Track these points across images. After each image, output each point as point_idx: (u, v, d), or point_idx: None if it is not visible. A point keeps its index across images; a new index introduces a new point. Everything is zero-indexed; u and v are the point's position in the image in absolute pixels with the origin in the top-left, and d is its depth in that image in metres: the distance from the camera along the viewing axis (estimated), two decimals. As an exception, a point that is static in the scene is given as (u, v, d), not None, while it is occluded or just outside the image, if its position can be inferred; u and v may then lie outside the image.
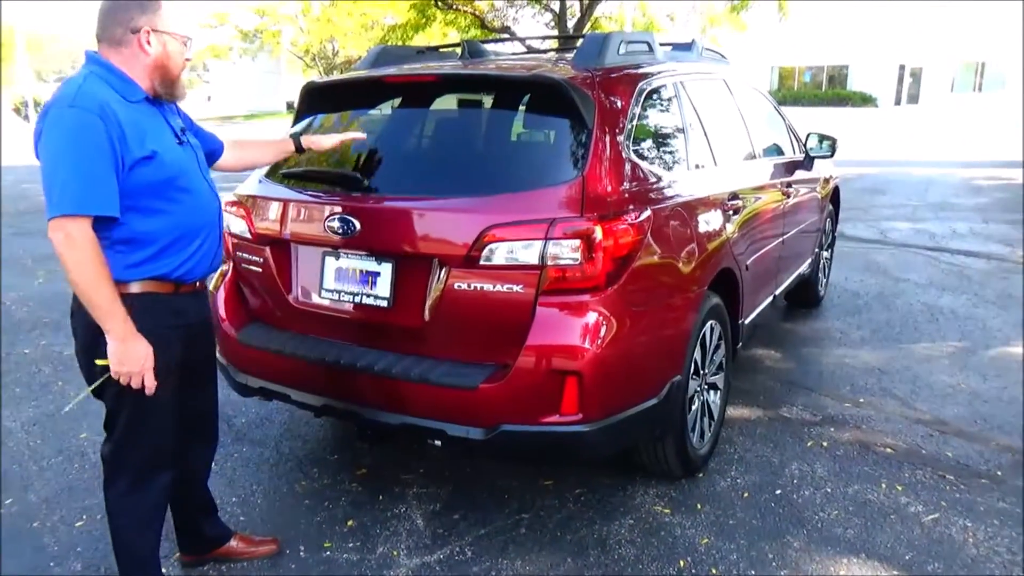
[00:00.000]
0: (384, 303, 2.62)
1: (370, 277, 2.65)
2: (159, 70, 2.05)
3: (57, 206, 1.88)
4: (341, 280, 2.71)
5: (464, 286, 2.45)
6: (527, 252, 2.38)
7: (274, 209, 2.86)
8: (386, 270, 2.62)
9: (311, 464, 3.29)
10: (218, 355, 3.06)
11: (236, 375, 2.99)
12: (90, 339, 2.04)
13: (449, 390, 2.45)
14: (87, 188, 1.88)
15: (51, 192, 1.90)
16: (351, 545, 2.71)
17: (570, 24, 15.80)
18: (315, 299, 2.78)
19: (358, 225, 2.58)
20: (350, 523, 2.84)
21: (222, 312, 3.02)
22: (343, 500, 3.00)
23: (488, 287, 2.42)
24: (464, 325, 2.50)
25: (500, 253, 2.39)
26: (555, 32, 15.54)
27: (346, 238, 2.61)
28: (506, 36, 14.92)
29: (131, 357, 1.98)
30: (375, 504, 2.96)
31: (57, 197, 1.88)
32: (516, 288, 2.40)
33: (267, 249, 2.87)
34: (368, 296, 2.65)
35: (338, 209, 2.63)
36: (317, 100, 3.15)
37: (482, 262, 2.41)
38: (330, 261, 2.74)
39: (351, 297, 2.69)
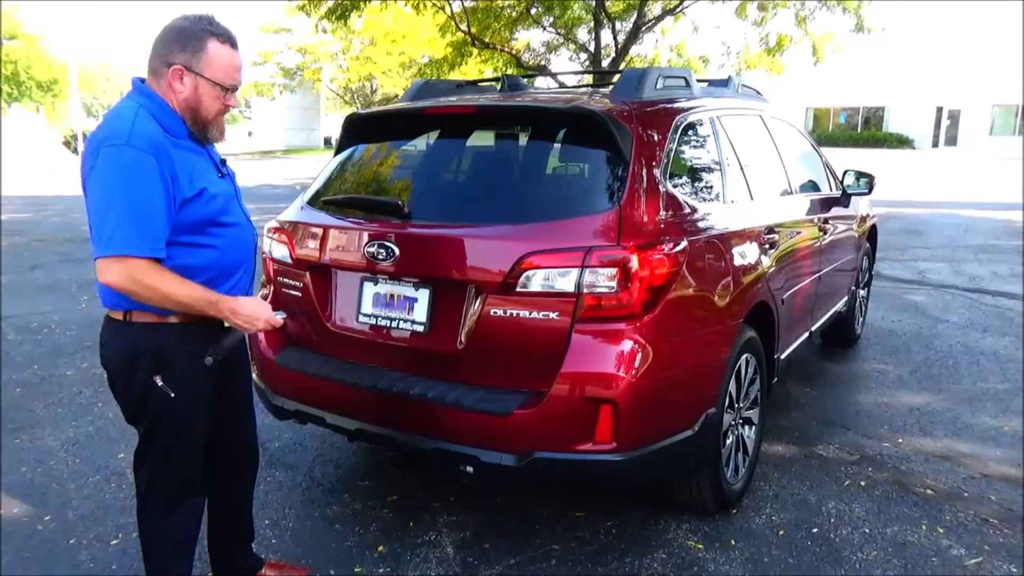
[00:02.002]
0: (421, 328, 2.65)
1: (408, 303, 2.68)
2: (189, 111, 2.03)
3: (107, 246, 1.88)
4: (379, 305, 2.75)
5: (500, 313, 2.47)
6: (563, 280, 2.39)
7: (315, 235, 2.92)
8: (423, 296, 2.65)
9: (343, 490, 3.30)
10: (255, 378, 3.12)
11: (273, 398, 3.03)
12: (126, 365, 2.07)
13: (483, 416, 2.46)
14: (138, 230, 1.88)
15: (101, 230, 1.89)
16: (381, 571, 2.71)
17: (605, 64, 16.00)
18: (352, 324, 2.82)
19: (397, 251, 2.62)
20: (380, 549, 2.84)
21: (261, 336, 3.07)
22: (374, 526, 3.00)
23: (524, 314, 2.44)
24: (500, 351, 2.51)
25: (536, 280, 2.42)
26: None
27: (385, 264, 2.66)
28: (540, 73, 15.15)
29: (248, 317, 2.07)
30: (406, 531, 2.96)
31: (107, 237, 1.88)
32: (552, 315, 2.41)
33: (307, 274, 2.92)
34: (405, 321, 2.68)
35: (378, 236, 2.68)
36: (359, 131, 3.24)
37: (518, 289, 2.43)
38: (368, 286, 2.78)
39: (388, 322, 2.72)
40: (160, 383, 2.05)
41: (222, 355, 2.09)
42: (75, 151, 32.15)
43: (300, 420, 3.02)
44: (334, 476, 3.43)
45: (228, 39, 2.05)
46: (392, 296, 2.72)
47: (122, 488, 3.27)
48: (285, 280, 3.02)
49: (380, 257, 2.65)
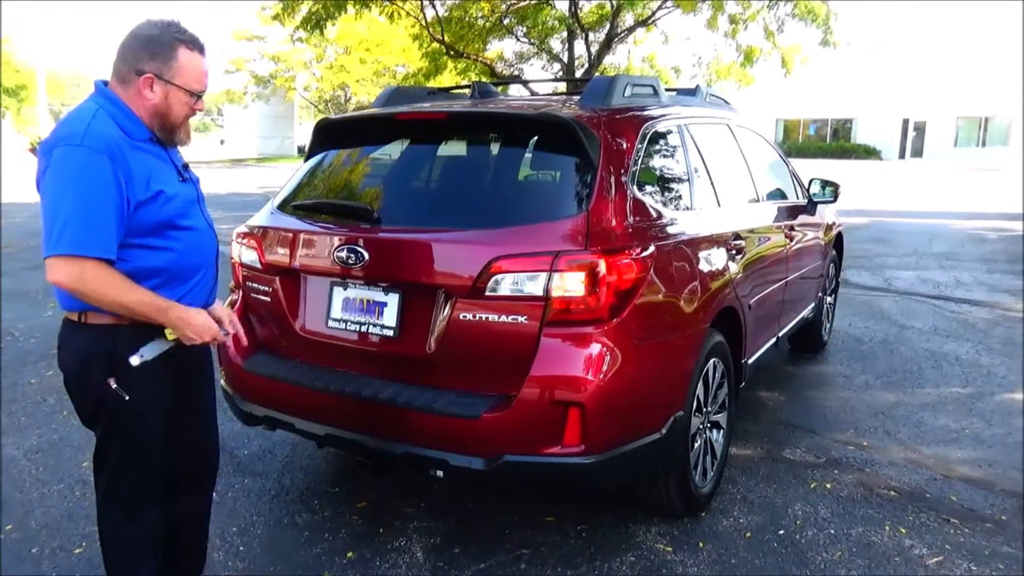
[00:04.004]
0: (390, 333, 2.65)
1: (377, 307, 2.69)
2: (158, 117, 2.03)
3: (55, 245, 1.86)
4: (348, 310, 2.75)
5: (469, 316, 2.48)
6: (532, 284, 2.41)
7: (284, 240, 2.91)
8: (393, 300, 2.66)
9: (312, 496, 3.28)
10: (224, 384, 3.10)
11: (241, 404, 3.01)
12: (80, 367, 2.05)
13: (452, 419, 2.46)
14: (89, 229, 1.85)
15: (51, 229, 1.87)
16: (350, 577, 2.70)
17: (578, 75, 16.11)
18: (322, 329, 2.81)
19: (367, 256, 2.63)
20: (350, 555, 2.83)
21: (229, 341, 3.04)
22: (343, 532, 2.99)
23: (493, 318, 2.46)
24: (469, 355, 2.52)
25: (505, 284, 2.43)
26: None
27: (354, 268, 2.66)
28: (513, 81, 15.21)
29: (198, 328, 2.04)
30: (375, 537, 2.95)
31: (56, 236, 1.85)
32: (520, 319, 2.43)
33: (276, 279, 2.92)
34: (375, 326, 2.68)
35: (347, 240, 2.68)
36: (330, 136, 3.24)
37: (487, 293, 2.45)
38: (338, 291, 2.78)
39: (358, 327, 2.72)
40: (115, 386, 2.01)
41: (150, 357, 2.02)
42: (42, 158, 31.56)
43: (269, 426, 3.00)
44: (303, 483, 3.41)
45: (196, 45, 2.04)
46: (362, 301, 2.72)
47: (86, 496, 3.22)
48: (254, 285, 3.01)
49: (350, 262, 2.65)
